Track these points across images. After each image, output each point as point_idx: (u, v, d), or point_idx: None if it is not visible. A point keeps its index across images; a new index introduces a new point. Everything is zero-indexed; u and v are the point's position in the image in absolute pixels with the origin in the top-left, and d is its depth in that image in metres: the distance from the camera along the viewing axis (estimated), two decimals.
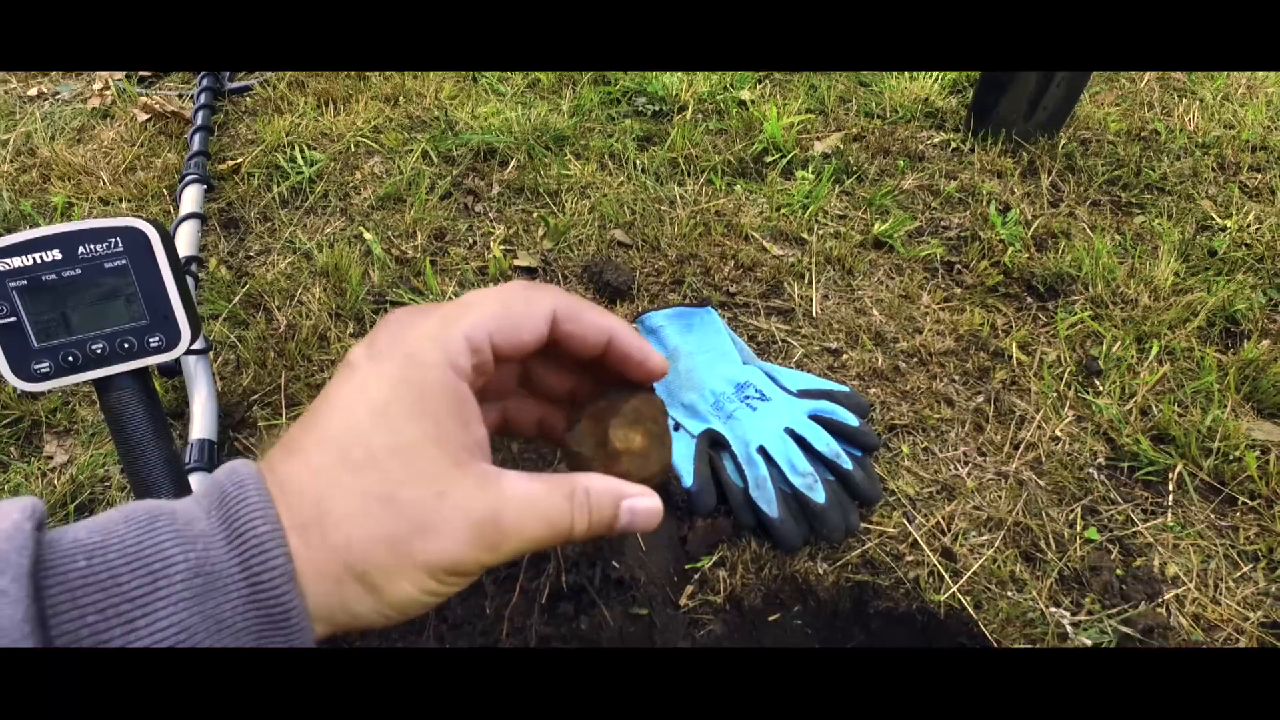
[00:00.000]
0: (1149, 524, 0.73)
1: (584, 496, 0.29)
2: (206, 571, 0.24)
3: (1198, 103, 1.28)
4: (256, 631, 0.24)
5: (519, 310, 0.29)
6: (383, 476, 0.25)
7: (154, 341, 0.58)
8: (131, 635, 0.22)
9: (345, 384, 0.27)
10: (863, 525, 0.72)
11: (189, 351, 0.61)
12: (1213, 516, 0.74)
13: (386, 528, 0.25)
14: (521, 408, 0.35)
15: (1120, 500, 0.75)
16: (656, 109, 1.24)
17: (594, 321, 0.31)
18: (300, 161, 1.12)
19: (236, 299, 0.92)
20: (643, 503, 0.30)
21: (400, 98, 1.26)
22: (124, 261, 0.56)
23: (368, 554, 0.25)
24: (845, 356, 0.87)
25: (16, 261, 0.54)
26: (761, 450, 0.70)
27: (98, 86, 1.30)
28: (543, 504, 0.28)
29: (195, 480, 0.70)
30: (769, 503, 0.68)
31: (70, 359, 0.56)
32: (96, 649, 0.22)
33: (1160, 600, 0.67)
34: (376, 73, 1.31)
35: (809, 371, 0.84)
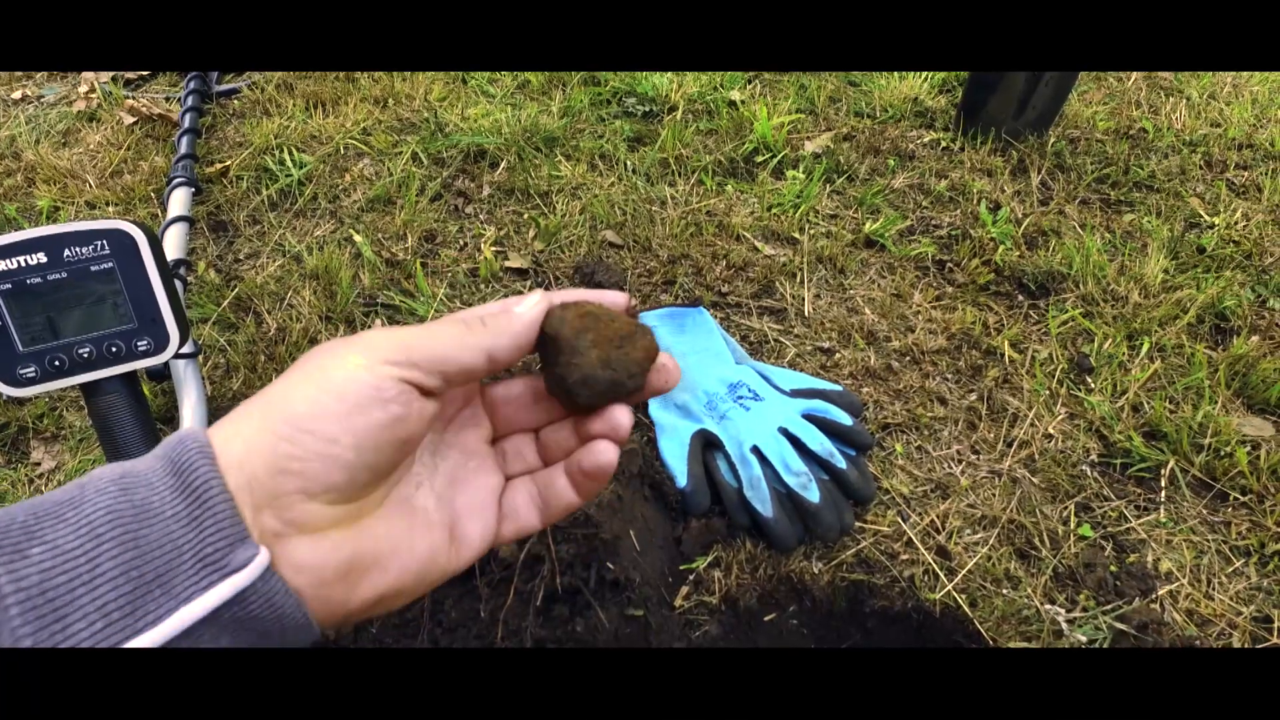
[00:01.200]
0: (1142, 520, 0.73)
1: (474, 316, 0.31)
2: (134, 472, 0.25)
3: (1185, 101, 1.28)
4: (187, 517, 0.24)
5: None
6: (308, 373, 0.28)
7: (142, 345, 0.58)
8: (60, 524, 0.23)
9: None
10: (857, 524, 0.72)
11: (178, 355, 0.60)
12: (1205, 512, 0.74)
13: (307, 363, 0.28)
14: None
15: (1113, 497, 0.75)
16: (646, 110, 1.24)
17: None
18: (289, 164, 1.11)
19: (226, 302, 0.92)
20: (521, 304, 0.32)
21: (389, 100, 1.25)
22: (111, 265, 0.56)
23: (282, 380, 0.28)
24: (838, 355, 0.87)
25: (0, 265, 0.53)
26: (755, 450, 0.70)
27: (83, 89, 1.29)
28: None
29: None
30: (763, 502, 0.68)
31: (56, 364, 0.56)
32: (80, 649, 0.22)
33: (1154, 596, 0.67)
34: (365, 75, 1.30)
35: (802, 371, 0.83)
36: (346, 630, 0.59)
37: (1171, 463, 0.77)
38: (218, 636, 0.24)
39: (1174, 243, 1.01)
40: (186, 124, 1.14)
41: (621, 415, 0.33)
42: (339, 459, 0.26)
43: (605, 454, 0.32)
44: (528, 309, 0.31)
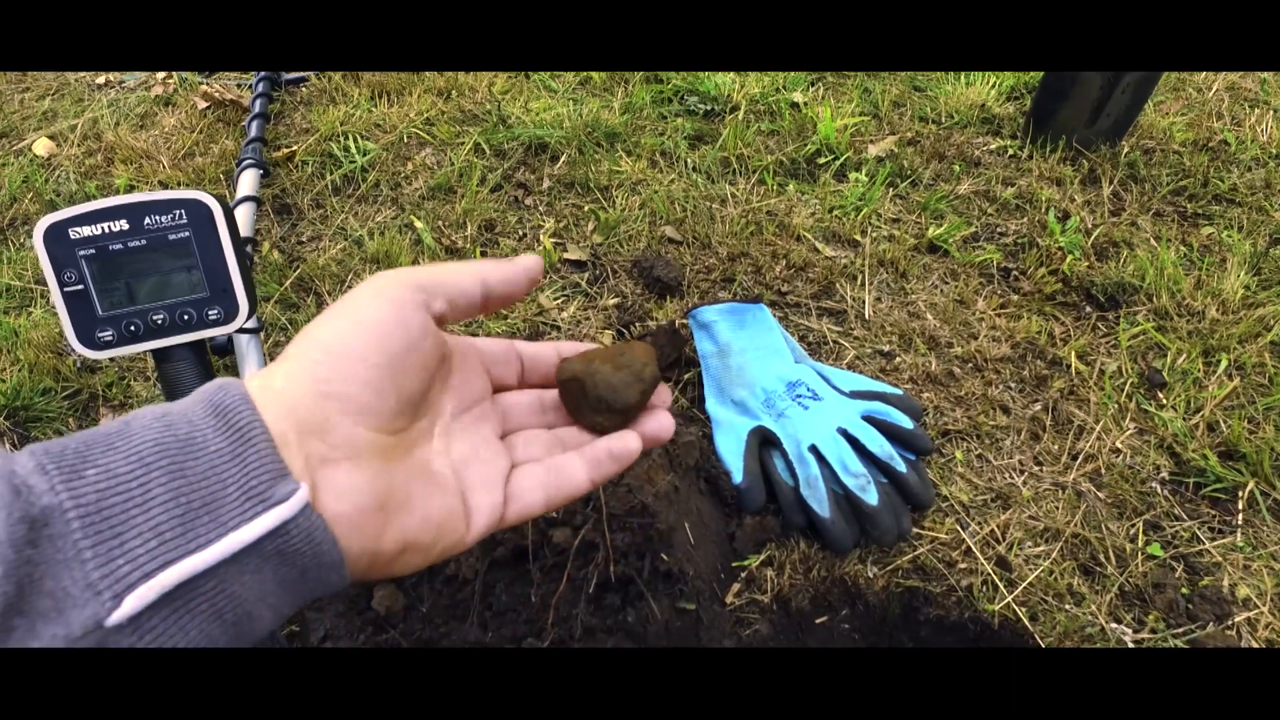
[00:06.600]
0: (1217, 543, 0.70)
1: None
2: (176, 411, 0.27)
3: (1271, 113, 1.23)
4: (230, 454, 0.26)
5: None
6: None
7: (213, 314, 0.59)
8: (111, 452, 0.24)
9: None
10: (914, 530, 0.70)
11: (242, 330, 0.61)
12: None
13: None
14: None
15: (1185, 517, 0.72)
16: (708, 109, 1.24)
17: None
18: (353, 151, 1.13)
19: (288, 282, 0.93)
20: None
21: (453, 91, 1.27)
22: (187, 234, 0.57)
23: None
24: (898, 359, 0.85)
25: (86, 230, 0.54)
26: (813, 449, 0.69)
27: (161, 75, 1.33)
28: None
29: None
30: (820, 503, 0.66)
31: (132, 328, 0.57)
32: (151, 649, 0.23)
33: (1230, 623, 0.64)
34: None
35: (861, 374, 0.82)
36: (376, 579, 0.59)
37: (1251, 485, 0.73)
38: (261, 566, 0.25)
39: (1256, 258, 0.97)
40: (256, 109, 1.17)
41: (667, 420, 0.36)
42: (370, 380, 0.29)
43: (631, 442, 0.35)
44: (525, 258, 0.36)
